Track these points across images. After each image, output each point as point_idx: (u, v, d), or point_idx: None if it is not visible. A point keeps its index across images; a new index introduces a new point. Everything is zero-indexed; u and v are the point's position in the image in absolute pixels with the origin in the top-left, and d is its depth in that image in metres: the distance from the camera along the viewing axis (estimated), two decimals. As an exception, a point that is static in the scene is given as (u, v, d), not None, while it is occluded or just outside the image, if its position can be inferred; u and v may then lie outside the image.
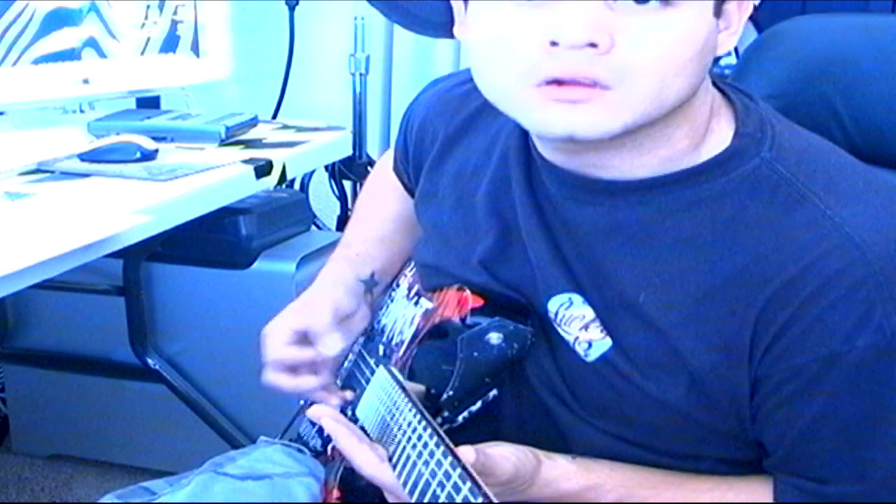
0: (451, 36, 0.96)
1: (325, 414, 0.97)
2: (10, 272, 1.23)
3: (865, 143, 1.17)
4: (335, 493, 1.07)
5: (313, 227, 2.30)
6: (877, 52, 1.17)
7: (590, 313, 0.95)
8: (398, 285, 1.20)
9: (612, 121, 0.85)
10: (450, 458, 0.82)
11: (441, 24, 0.96)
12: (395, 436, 0.92)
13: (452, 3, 0.95)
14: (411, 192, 1.20)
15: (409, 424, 0.91)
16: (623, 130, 0.86)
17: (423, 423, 0.89)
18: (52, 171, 1.65)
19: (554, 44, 0.83)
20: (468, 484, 0.79)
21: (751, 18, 2.02)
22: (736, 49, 1.82)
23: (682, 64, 0.85)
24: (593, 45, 0.82)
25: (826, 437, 0.89)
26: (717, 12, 0.86)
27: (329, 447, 1.14)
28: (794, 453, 0.91)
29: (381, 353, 1.14)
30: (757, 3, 0.92)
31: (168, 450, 2.08)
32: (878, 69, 1.16)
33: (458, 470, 0.80)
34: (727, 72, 1.52)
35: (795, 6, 1.81)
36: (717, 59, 0.90)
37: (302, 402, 1.26)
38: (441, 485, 0.81)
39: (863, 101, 1.17)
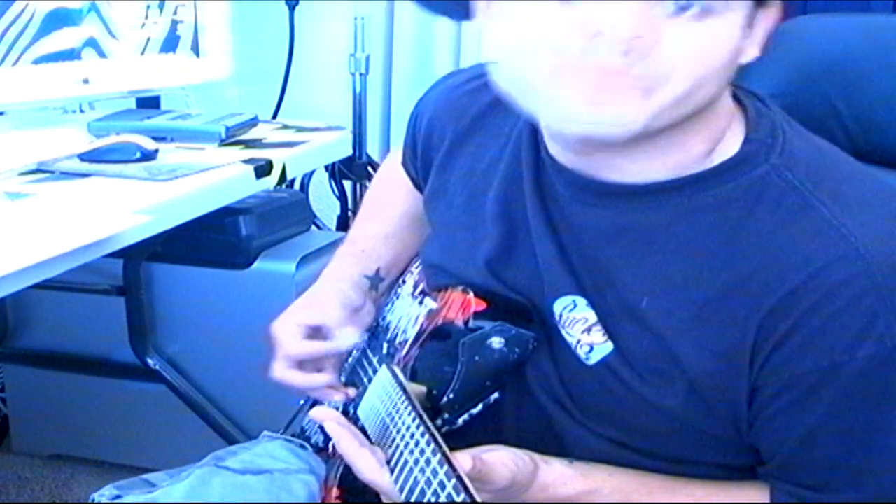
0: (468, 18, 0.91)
1: (328, 417, 0.96)
2: (10, 272, 1.23)
3: (867, 143, 1.17)
4: (335, 492, 1.07)
5: (313, 227, 2.30)
6: (877, 52, 1.17)
7: (592, 316, 0.94)
8: (404, 282, 1.20)
9: (634, 121, 0.83)
10: (445, 467, 0.82)
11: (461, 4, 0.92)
12: (394, 439, 0.92)
13: None
14: (420, 187, 1.20)
15: (407, 428, 0.91)
16: (642, 132, 0.84)
17: (421, 428, 0.88)
18: (52, 171, 1.65)
19: (597, 34, 0.80)
20: (462, 496, 0.78)
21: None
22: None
23: (714, 72, 0.84)
24: (638, 37, 0.80)
25: (823, 446, 0.89)
26: (749, 23, 0.86)
27: (331, 444, 1.14)
28: (791, 462, 0.91)
29: (384, 351, 1.14)
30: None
31: (168, 449, 2.07)
32: (879, 69, 1.16)
33: (453, 480, 0.80)
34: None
35: (796, 6, 1.81)
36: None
37: (302, 402, 1.26)
38: (436, 494, 0.81)
39: (864, 101, 1.17)
